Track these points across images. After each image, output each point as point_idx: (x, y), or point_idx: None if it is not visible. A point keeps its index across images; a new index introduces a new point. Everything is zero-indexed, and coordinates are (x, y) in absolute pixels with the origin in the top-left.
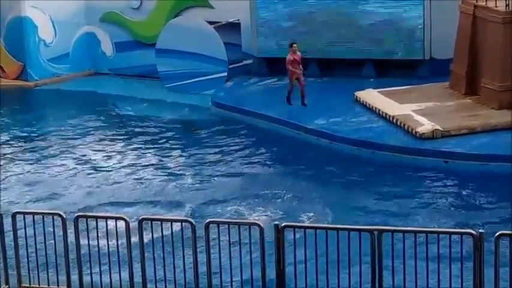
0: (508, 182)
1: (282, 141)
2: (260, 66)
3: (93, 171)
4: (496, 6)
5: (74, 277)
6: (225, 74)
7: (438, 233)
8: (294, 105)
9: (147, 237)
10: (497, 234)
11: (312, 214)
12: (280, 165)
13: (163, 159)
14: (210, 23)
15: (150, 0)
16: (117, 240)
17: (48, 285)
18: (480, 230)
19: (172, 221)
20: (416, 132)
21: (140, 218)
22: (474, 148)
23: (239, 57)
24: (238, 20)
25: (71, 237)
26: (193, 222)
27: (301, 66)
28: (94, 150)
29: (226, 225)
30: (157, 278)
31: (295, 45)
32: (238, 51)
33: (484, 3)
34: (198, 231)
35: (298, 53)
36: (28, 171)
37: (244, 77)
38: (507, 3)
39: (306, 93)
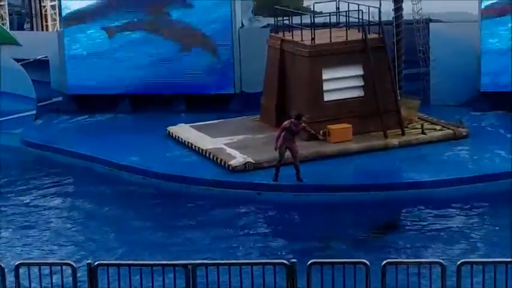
0: (319, 210)
1: (95, 178)
2: (70, 103)
3: None
4: (302, 40)
5: None
6: (34, 112)
7: (252, 264)
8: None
9: None
10: (309, 262)
11: (122, 251)
12: (94, 204)
13: None
14: (18, 60)
15: None
16: None
17: None
18: (292, 260)
19: None
20: (229, 165)
21: None
22: (284, 179)
23: (48, 95)
24: (46, 56)
25: None
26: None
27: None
28: None
29: (37, 267)
30: None
31: (303, 118)
32: (47, 89)
33: (291, 37)
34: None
35: (303, 124)
36: None
37: (54, 114)
38: (312, 37)
39: (299, 166)
